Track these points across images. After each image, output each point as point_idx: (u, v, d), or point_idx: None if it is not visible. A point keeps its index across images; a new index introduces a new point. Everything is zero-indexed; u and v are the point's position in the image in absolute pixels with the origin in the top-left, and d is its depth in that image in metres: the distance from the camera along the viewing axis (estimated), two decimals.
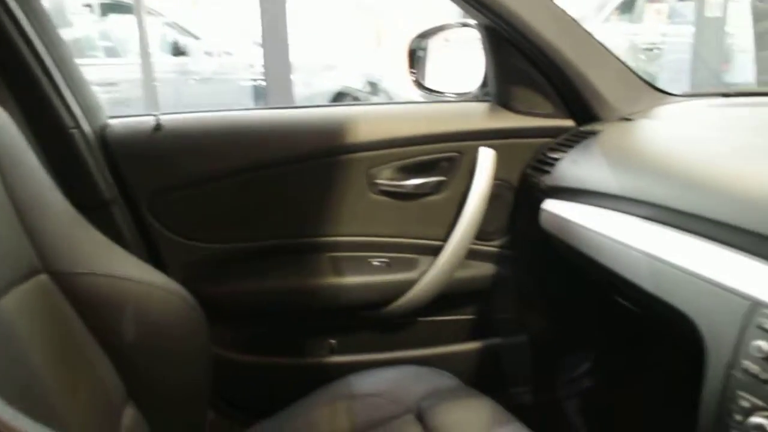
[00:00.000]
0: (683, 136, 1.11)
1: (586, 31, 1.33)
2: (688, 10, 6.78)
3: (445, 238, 1.40)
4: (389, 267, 1.41)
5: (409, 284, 1.39)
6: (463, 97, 1.50)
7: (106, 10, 6.27)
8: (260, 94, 5.58)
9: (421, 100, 1.54)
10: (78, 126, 1.24)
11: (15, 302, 0.76)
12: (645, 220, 1.00)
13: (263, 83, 4.07)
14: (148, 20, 4.41)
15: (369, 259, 1.41)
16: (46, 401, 0.76)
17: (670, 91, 1.39)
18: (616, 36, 6.87)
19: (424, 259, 1.42)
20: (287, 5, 3.72)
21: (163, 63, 5.78)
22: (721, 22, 6.14)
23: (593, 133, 1.27)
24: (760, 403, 0.71)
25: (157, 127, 1.30)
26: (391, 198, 1.38)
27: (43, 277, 0.85)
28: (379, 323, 1.46)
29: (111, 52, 6.05)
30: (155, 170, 1.32)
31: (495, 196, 1.39)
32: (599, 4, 7.17)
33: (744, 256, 0.80)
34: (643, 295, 0.95)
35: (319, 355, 1.45)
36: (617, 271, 1.02)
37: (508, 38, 1.32)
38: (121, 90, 5.11)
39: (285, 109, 1.45)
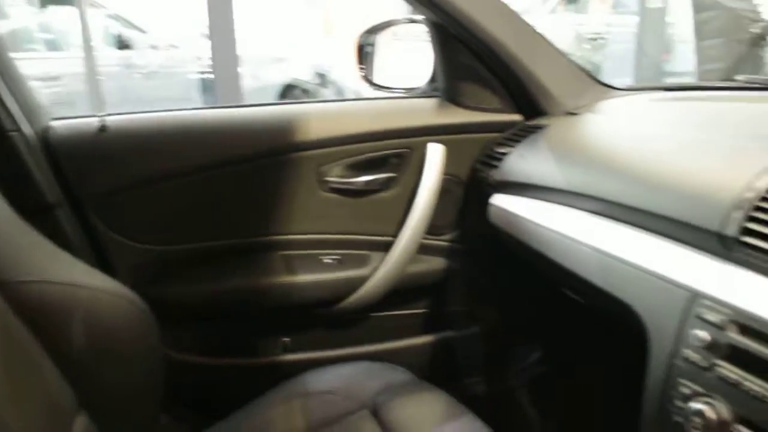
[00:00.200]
0: (627, 132, 1.14)
1: (531, 27, 1.35)
2: (632, 0, 6.90)
3: (396, 234, 1.41)
4: (341, 264, 1.41)
5: (361, 280, 1.40)
6: (411, 93, 1.51)
7: (46, 1, 6.09)
8: (208, 88, 5.50)
9: (372, 93, 1.54)
10: (18, 128, 1.20)
11: None
12: (591, 214, 1.02)
13: (211, 76, 4.01)
14: (90, 12, 4.29)
15: (321, 257, 1.41)
16: None
17: (614, 81, 1.42)
18: (562, 26, 6.96)
19: (375, 255, 1.43)
20: None
21: (107, 57, 5.66)
22: (662, 12, 6.28)
23: (540, 128, 1.29)
24: (699, 389, 0.74)
25: (102, 128, 1.27)
26: (342, 195, 1.38)
27: None
28: (332, 320, 1.47)
29: (52, 45, 5.88)
30: (101, 172, 1.29)
31: (444, 191, 1.40)
32: None
33: (685, 249, 0.83)
34: (589, 287, 0.98)
35: (273, 354, 1.45)
36: (564, 265, 1.05)
37: (454, 34, 1.33)
38: (64, 84, 4.97)
39: (233, 108, 1.44)
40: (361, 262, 1.42)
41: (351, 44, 1.50)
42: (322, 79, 6.49)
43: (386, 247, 1.41)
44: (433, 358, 1.54)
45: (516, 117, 1.40)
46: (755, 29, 4.19)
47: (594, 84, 1.41)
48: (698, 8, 4.50)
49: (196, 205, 1.33)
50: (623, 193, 0.96)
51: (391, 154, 1.38)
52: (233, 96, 3.77)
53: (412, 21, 1.45)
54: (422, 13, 1.37)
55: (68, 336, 0.88)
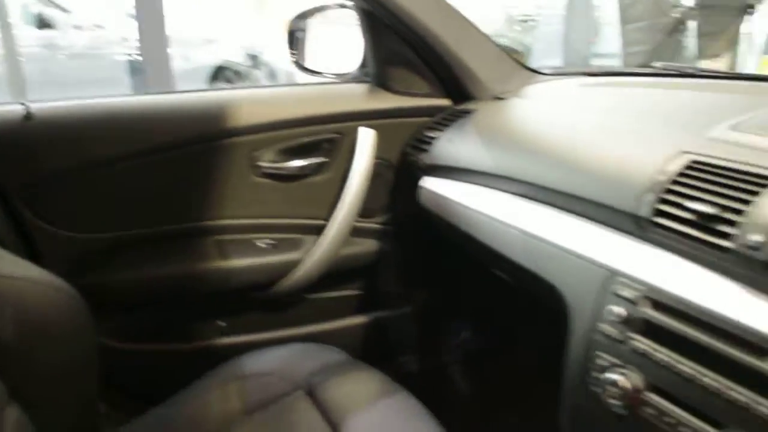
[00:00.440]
0: (551, 117, 1.18)
1: (459, 13, 1.37)
2: None
3: (329, 218, 1.42)
4: (275, 248, 1.42)
5: (295, 264, 1.41)
6: (342, 78, 1.52)
7: None
8: (137, 70, 5.37)
9: (304, 78, 1.55)
10: None
11: None
12: (516, 197, 1.06)
13: (139, 58, 3.92)
14: None
15: (255, 241, 1.41)
16: None
17: (543, 63, 1.47)
18: (493, 8, 7.03)
19: (309, 239, 1.44)
20: None
21: (27, 37, 5.44)
22: None
23: (468, 112, 1.32)
24: (615, 361, 0.79)
25: (28, 116, 1.24)
26: (275, 180, 1.38)
27: None
28: (268, 303, 1.47)
29: None
30: (28, 161, 1.26)
31: (376, 175, 1.42)
32: None
33: (603, 229, 0.88)
34: (514, 267, 1.02)
35: (209, 338, 1.45)
36: (491, 246, 1.09)
37: (383, 20, 1.35)
38: None
39: (163, 95, 1.42)
40: (295, 245, 1.43)
41: (283, 25, 1.50)
42: (255, 60, 6.41)
43: (319, 230, 1.42)
44: (366, 338, 1.57)
45: (445, 102, 1.43)
46: (676, 14, 4.33)
47: (520, 69, 1.45)
48: None
49: (127, 192, 1.32)
50: (546, 177, 1.00)
51: (322, 139, 1.39)
52: (163, 78, 3.69)
53: (343, 6, 1.46)
54: None
55: None
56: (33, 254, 1.29)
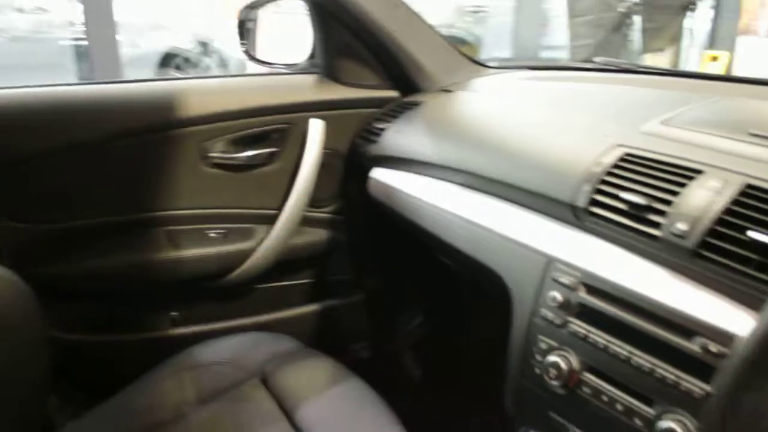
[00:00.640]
0: (495, 110, 1.22)
1: (406, 6, 1.40)
2: None
3: (280, 207, 1.43)
4: (226, 237, 1.42)
5: (247, 253, 1.42)
6: (292, 69, 1.53)
7: None
8: (82, 55, 5.24)
9: (256, 66, 1.55)
10: None
11: None
12: (461, 187, 1.10)
13: (86, 43, 3.83)
14: None
15: (206, 231, 1.41)
16: None
17: (493, 54, 1.50)
18: None
19: (260, 228, 1.44)
20: None
21: None
22: None
23: (416, 104, 1.35)
24: (555, 344, 0.83)
25: None
26: (225, 170, 1.38)
27: None
28: (220, 293, 1.48)
29: None
30: None
31: (326, 165, 1.43)
32: None
33: (543, 219, 0.92)
34: (460, 255, 1.06)
35: (162, 328, 1.44)
36: (436, 234, 1.12)
37: (332, 12, 1.36)
38: None
39: (112, 84, 1.41)
40: (246, 235, 1.44)
41: (234, 11, 1.49)
42: (205, 47, 6.31)
43: (270, 220, 1.43)
44: (318, 326, 1.58)
45: (393, 93, 1.46)
46: (621, 9, 4.43)
47: (467, 62, 1.48)
48: None
49: (76, 182, 1.30)
50: (489, 168, 1.03)
51: (272, 129, 1.39)
52: (111, 64, 3.62)
53: None
54: None
55: None
56: None
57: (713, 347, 0.67)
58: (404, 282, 1.69)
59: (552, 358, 0.82)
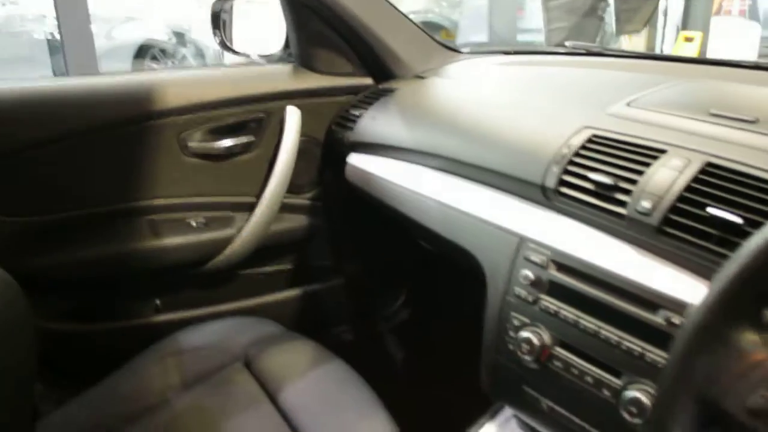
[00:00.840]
0: (468, 95, 1.24)
1: None
2: None
3: (259, 195, 1.44)
4: (207, 226, 1.43)
5: (228, 240, 1.43)
6: (268, 59, 1.54)
7: None
8: (57, 48, 5.18)
9: (233, 57, 1.56)
10: None
11: None
12: (435, 171, 1.12)
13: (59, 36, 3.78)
14: None
15: (187, 220, 1.42)
16: None
17: (470, 38, 1.52)
18: None
19: (240, 216, 1.46)
20: None
21: None
22: None
23: (390, 91, 1.37)
24: (527, 320, 0.86)
25: None
26: (204, 160, 1.39)
27: None
28: (202, 280, 1.49)
29: None
30: None
31: (303, 152, 1.45)
32: None
33: (514, 200, 0.95)
34: (435, 237, 1.08)
35: (146, 316, 1.46)
36: (412, 217, 1.15)
37: (304, 1, 1.37)
38: None
39: (91, 78, 1.41)
40: (227, 223, 1.45)
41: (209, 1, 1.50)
42: (181, 38, 6.27)
43: (250, 207, 1.44)
44: (300, 311, 1.61)
45: (368, 80, 1.48)
46: None
47: (440, 48, 1.50)
48: None
49: (57, 174, 1.30)
50: (463, 151, 1.06)
51: (250, 119, 1.40)
52: (86, 57, 3.57)
53: None
54: None
55: None
56: None
57: (676, 319, 0.70)
58: (384, 266, 1.72)
59: (525, 333, 0.85)
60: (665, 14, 5.10)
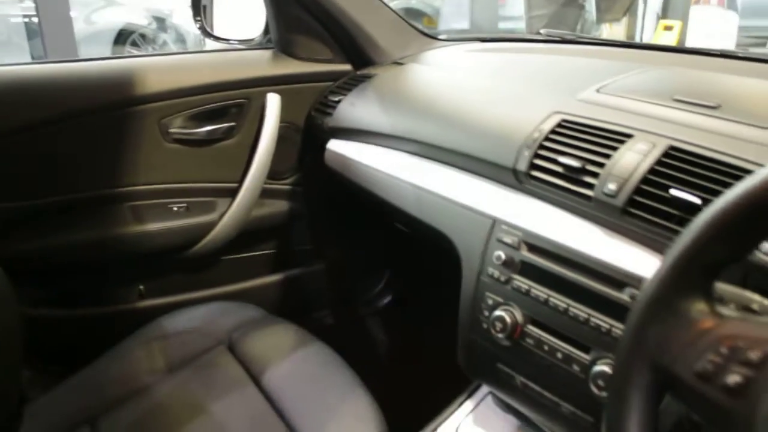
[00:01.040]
0: (444, 81, 1.27)
1: None
2: None
3: (240, 180, 1.45)
4: (189, 211, 1.44)
5: (210, 226, 1.45)
6: (247, 45, 1.55)
7: None
8: (35, 32, 5.12)
9: (214, 43, 1.57)
10: None
11: None
12: (412, 156, 1.15)
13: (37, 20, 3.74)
14: None
15: (169, 205, 1.43)
16: None
17: (452, 26, 1.54)
18: None
19: (221, 201, 1.47)
20: None
21: None
22: None
23: (368, 77, 1.39)
24: (500, 299, 0.89)
25: None
26: (185, 145, 1.40)
27: None
28: (185, 265, 1.50)
29: None
30: None
31: (283, 138, 1.46)
32: None
33: (487, 183, 0.97)
34: (411, 220, 1.11)
35: (129, 301, 1.47)
36: (390, 201, 1.17)
37: None
38: None
39: (71, 63, 1.41)
40: (208, 208, 1.46)
41: None
42: (161, 23, 6.21)
43: (231, 193, 1.46)
44: (282, 295, 1.63)
45: (346, 67, 1.50)
46: None
47: (418, 35, 1.52)
48: None
49: (38, 161, 1.30)
50: (438, 136, 1.09)
51: (230, 104, 1.41)
52: (65, 42, 3.54)
53: None
54: None
55: None
56: None
57: None
58: (365, 250, 1.74)
59: (498, 312, 0.88)
60: (645, 2, 5.13)
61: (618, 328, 0.75)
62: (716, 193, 0.69)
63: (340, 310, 1.74)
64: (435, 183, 1.07)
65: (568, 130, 0.88)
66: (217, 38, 1.51)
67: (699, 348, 0.45)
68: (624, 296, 0.74)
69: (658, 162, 0.76)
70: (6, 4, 5.55)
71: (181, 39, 6.12)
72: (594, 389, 0.76)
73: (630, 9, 4.83)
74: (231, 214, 1.45)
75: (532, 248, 0.87)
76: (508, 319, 0.87)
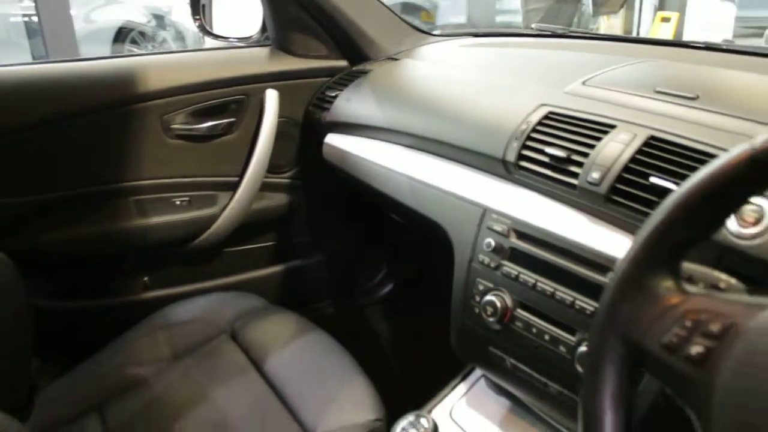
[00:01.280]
0: (437, 75, 1.30)
1: None
2: None
3: (241, 174, 1.48)
4: (191, 204, 1.47)
5: (212, 219, 1.48)
6: (246, 42, 1.58)
7: None
8: (35, 31, 5.13)
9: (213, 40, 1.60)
10: None
11: None
12: (406, 148, 1.18)
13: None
14: None
15: (172, 199, 1.46)
16: None
17: (450, 20, 1.57)
18: None
19: (223, 195, 1.50)
20: None
21: None
22: None
23: (364, 72, 1.42)
24: (490, 285, 0.93)
25: None
26: (187, 141, 1.43)
27: None
28: (188, 257, 1.54)
29: None
30: None
31: (282, 133, 1.49)
32: None
33: (478, 173, 1.01)
34: (406, 210, 1.15)
35: (135, 293, 1.50)
36: (386, 193, 1.21)
37: None
38: None
39: (74, 62, 1.44)
40: (210, 202, 1.49)
41: None
42: (160, 20, 6.22)
43: (232, 186, 1.49)
44: (283, 286, 1.66)
45: (343, 63, 1.53)
46: None
47: (412, 31, 1.56)
48: None
49: (46, 157, 1.33)
50: (431, 129, 1.12)
51: (230, 100, 1.44)
52: (65, 41, 3.55)
53: None
54: None
55: None
56: None
57: None
58: (364, 241, 1.78)
59: (489, 297, 0.92)
60: None
61: None
62: None
63: (340, 301, 1.78)
64: (428, 174, 1.10)
65: (554, 122, 0.91)
66: (215, 36, 1.53)
67: (666, 322, 0.48)
68: (607, 280, 0.77)
69: (639, 151, 0.79)
70: (5, 4, 5.56)
71: (180, 36, 6.13)
72: (579, 369, 0.79)
73: (626, 1, 4.84)
74: (232, 208, 1.48)
75: (521, 235, 0.90)
76: (498, 304, 0.90)
